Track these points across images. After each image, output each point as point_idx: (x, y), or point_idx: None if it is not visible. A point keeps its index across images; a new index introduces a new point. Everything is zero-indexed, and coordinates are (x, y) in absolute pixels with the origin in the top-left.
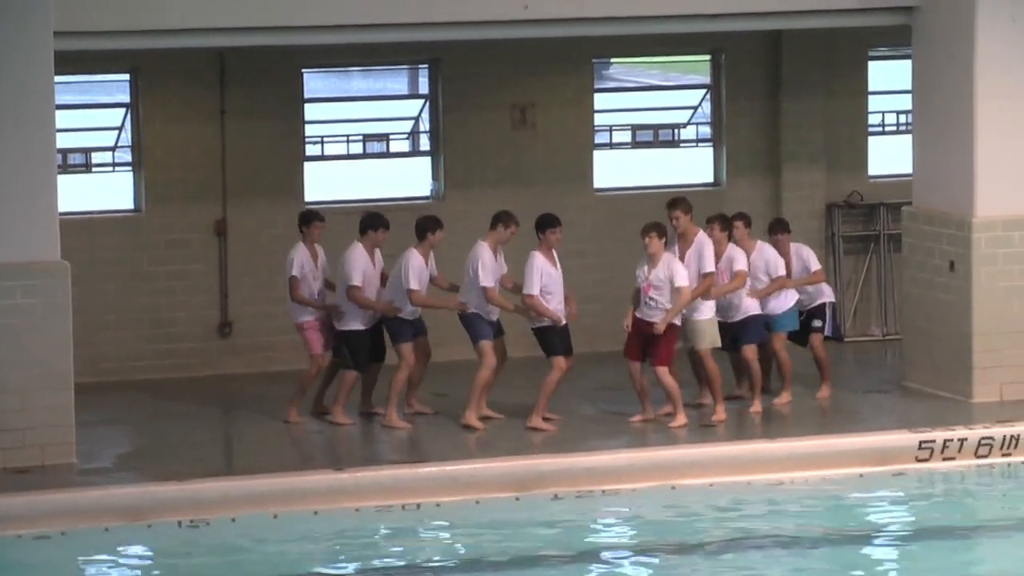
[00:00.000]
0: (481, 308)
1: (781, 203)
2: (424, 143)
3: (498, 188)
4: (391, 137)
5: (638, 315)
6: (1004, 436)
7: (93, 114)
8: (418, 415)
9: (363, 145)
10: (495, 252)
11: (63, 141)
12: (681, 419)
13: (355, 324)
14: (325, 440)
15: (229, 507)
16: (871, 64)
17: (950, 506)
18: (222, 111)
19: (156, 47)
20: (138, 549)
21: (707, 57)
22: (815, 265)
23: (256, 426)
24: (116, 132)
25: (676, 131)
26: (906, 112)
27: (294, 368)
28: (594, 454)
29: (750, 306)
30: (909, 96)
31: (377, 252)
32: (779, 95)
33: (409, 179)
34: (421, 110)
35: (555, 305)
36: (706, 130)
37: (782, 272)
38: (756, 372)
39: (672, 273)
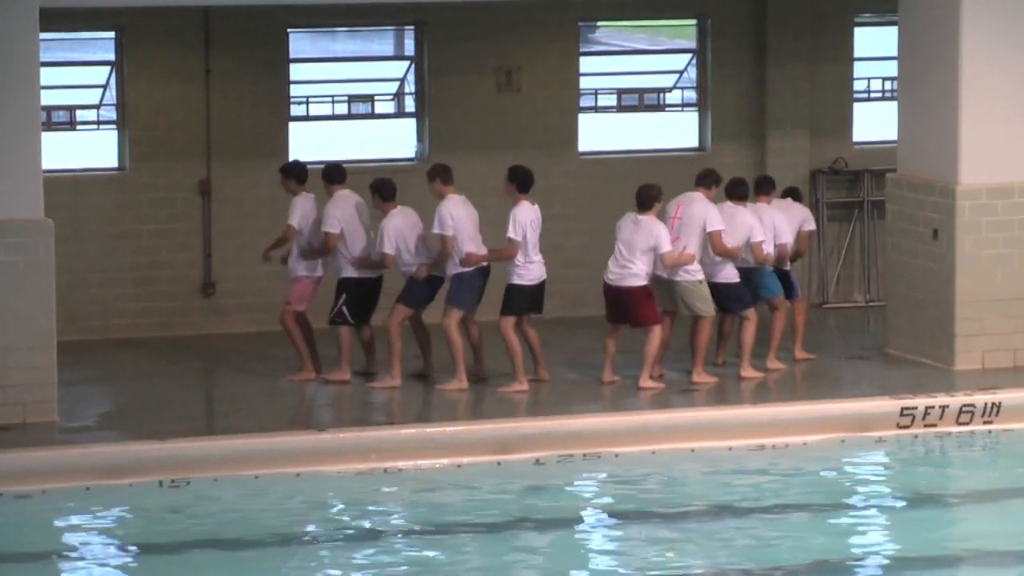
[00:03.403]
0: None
1: (766, 169)
2: (409, 105)
3: (483, 151)
4: (376, 98)
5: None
6: (985, 404)
7: (78, 72)
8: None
9: (348, 106)
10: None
11: (47, 98)
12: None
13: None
14: (309, 401)
15: (210, 467)
16: (857, 30)
17: (931, 473)
18: (207, 70)
19: (141, 5)
20: (119, 508)
21: (693, 22)
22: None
23: (239, 386)
24: (101, 90)
25: (661, 95)
26: (891, 79)
27: (277, 328)
28: (576, 417)
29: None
30: (895, 63)
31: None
32: (764, 60)
33: (394, 140)
34: (407, 72)
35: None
36: (691, 95)
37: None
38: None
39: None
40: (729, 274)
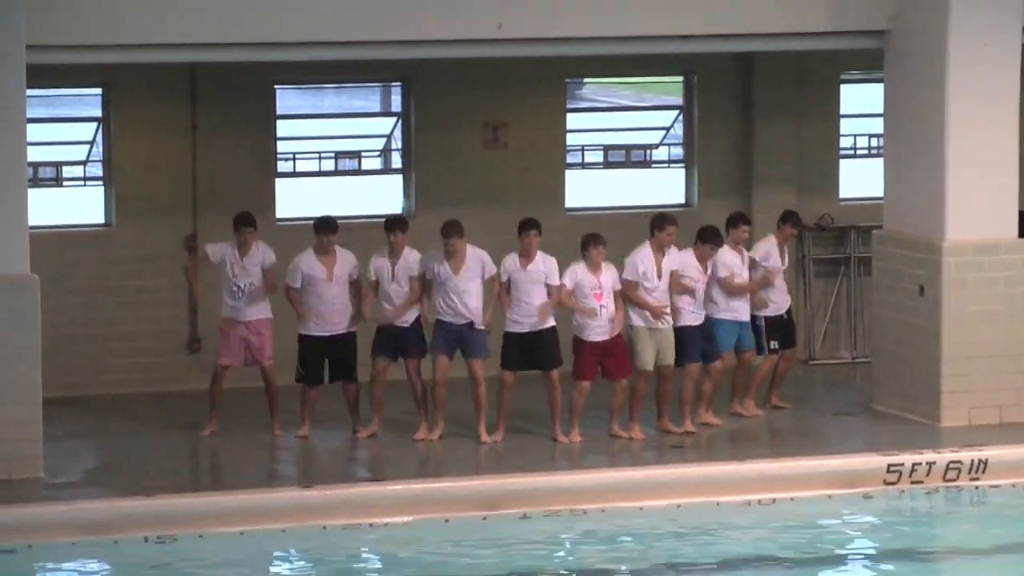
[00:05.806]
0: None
1: (752, 225)
2: (396, 161)
3: (470, 207)
4: (363, 154)
5: (595, 337)
6: (972, 460)
7: (64, 128)
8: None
9: (335, 162)
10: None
11: (34, 155)
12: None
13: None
14: (294, 457)
15: (196, 523)
16: (843, 87)
17: (918, 530)
18: (194, 126)
19: (128, 61)
20: (104, 564)
21: (680, 78)
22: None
23: (224, 442)
24: (87, 146)
25: (648, 152)
26: (878, 135)
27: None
28: (562, 474)
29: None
30: (881, 119)
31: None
32: (751, 117)
33: (381, 197)
34: (394, 128)
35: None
36: (678, 151)
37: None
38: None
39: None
40: (688, 316)
